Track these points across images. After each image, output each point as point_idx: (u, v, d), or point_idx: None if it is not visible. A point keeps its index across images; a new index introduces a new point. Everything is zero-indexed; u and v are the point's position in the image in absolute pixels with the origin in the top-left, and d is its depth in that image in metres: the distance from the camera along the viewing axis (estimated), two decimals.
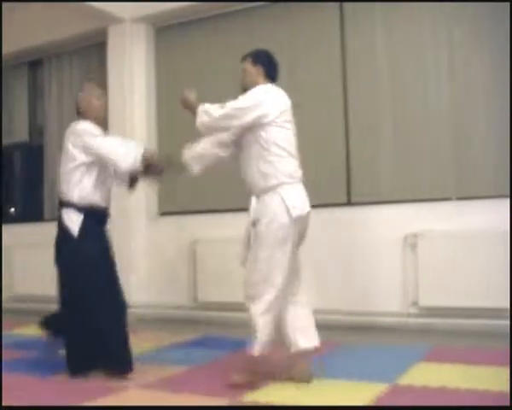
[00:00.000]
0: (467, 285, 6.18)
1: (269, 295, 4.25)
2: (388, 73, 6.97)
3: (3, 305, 9.20)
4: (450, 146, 6.61)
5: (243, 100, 4.37)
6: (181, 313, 7.60)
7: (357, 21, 7.11)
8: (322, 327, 6.86)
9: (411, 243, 6.56)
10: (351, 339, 6.11)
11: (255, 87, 4.47)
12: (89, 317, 4.69)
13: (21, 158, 10.35)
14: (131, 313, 7.72)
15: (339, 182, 7.10)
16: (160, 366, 5.07)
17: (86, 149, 4.74)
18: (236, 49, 7.74)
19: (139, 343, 6.03)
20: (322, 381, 4.44)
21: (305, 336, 4.48)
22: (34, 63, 9.75)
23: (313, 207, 7.00)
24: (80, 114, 4.99)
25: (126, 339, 4.82)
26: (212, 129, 4.49)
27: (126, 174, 4.81)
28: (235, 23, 7.86)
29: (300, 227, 4.40)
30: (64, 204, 4.82)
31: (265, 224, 4.27)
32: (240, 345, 5.86)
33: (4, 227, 9.61)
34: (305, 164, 7.20)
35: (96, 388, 4.42)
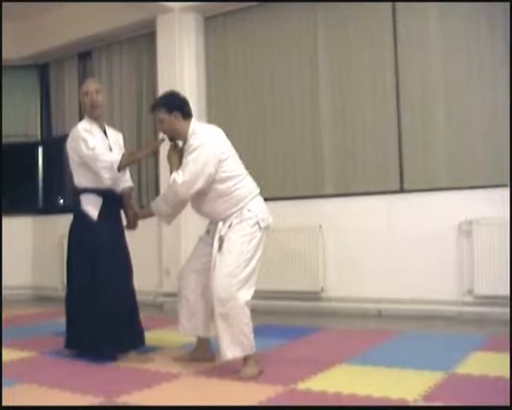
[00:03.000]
0: (509, 274, 6.05)
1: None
2: (441, 58, 6.84)
3: (54, 293, 9.32)
4: (506, 132, 6.45)
5: (189, 171, 4.38)
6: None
7: (409, 7, 6.99)
8: (377, 316, 6.85)
9: (466, 230, 6.45)
10: (406, 328, 6.05)
11: (181, 133, 4.55)
12: (101, 300, 4.84)
13: None
14: (172, 302, 7.81)
15: (392, 169, 7.01)
16: (209, 353, 5.04)
17: (78, 154, 4.94)
18: (286, 36, 7.75)
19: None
20: (378, 369, 4.39)
21: None
22: (84, 55, 9.80)
23: (366, 194, 7.05)
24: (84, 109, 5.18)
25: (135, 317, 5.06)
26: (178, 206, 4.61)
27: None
28: (285, 11, 7.78)
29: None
30: (82, 191, 4.97)
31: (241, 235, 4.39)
32: (298, 333, 5.88)
33: (55, 217, 9.73)
34: (357, 153, 7.23)
35: (148, 375, 4.42)
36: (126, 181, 5.24)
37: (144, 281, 8.03)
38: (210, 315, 4.61)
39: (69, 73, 9.94)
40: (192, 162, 4.35)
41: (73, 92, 9.83)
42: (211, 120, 8.23)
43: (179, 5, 8.19)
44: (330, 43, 7.49)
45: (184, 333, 4.77)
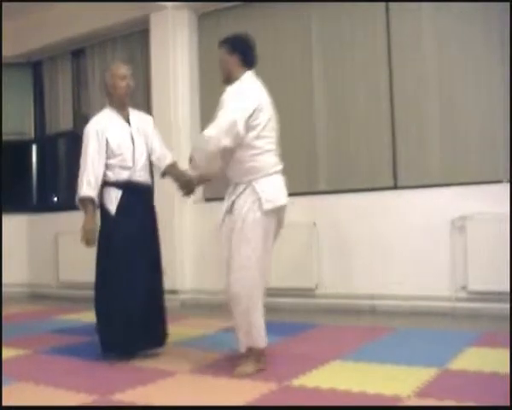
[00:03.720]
0: (509, 269, 6.06)
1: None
2: (434, 55, 6.86)
3: (49, 291, 9.34)
4: (501, 127, 6.48)
5: (230, 112, 4.24)
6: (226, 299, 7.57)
7: (402, 6, 7.00)
8: (371, 313, 6.87)
9: (460, 226, 6.47)
10: (399, 324, 6.06)
11: (232, 76, 4.44)
12: (119, 295, 4.76)
13: (66, 146, 10.43)
14: (177, 298, 7.80)
15: (385, 166, 7.03)
16: (206, 351, 5.08)
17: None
18: (280, 34, 7.75)
19: (186, 329, 6.08)
20: (372, 365, 4.41)
21: None
22: (77, 52, 9.80)
23: (360, 191, 7.06)
24: (108, 96, 5.04)
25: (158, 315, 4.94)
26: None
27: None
28: (279, 9, 7.79)
29: (276, 219, 4.43)
30: (103, 183, 4.87)
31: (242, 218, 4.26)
32: (292, 330, 5.89)
33: (50, 215, 9.76)
34: (351, 149, 7.24)
35: (144, 372, 4.44)
36: (166, 158, 5.09)
37: None
38: None
39: (62, 70, 9.93)
40: (222, 118, 4.22)
41: (67, 90, 9.85)
42: (204, 117, 8.24)
43: (172, 3, 8.19)
44: (324, 40, 7.50)
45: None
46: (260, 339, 4.32)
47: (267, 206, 4.24)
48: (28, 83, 10.44)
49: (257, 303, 4.32)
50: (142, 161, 4.93)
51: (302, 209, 7.31)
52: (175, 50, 8.24)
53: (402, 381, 3.94)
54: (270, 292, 7.33)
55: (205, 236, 7.92)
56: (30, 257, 9.99)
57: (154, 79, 8.30)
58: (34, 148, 10.44)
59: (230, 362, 4.56)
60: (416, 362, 4.38)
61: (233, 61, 4.43)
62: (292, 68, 7.71)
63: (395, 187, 6.96)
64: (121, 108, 5.01)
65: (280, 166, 4.45)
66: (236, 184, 4.34)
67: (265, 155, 4.34)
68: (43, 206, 10.27)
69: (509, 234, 6.13)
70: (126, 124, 4.98)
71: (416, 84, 6.93)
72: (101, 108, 9.09)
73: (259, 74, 7.78)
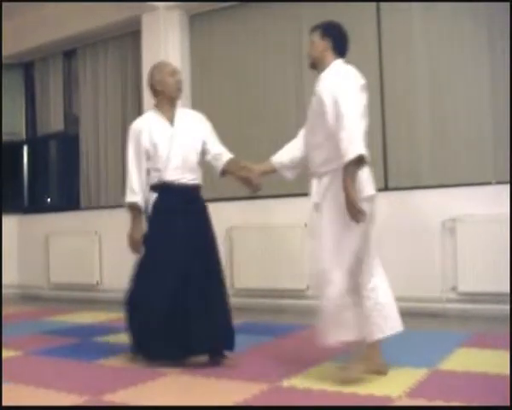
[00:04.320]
0: (506, 270, 6.08)
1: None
2: (425, 55, 6.89)
3: (40, 292, 9.33)
4: (490, 130, 6.52)
5: (352, 98, 4.03)
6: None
7: (393, 7, 7.02)
8: None
9: (450, 227, 6.49)
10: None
11: (323, 62, 4.28)
12: (143, 299, 4.68)
13: (57, 147, 10.43)
14: None
15: (376, 167, 7.03)
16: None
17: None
18: (271, 35, 7.78)
19: None
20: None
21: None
22: (69, 53, 9.80)
23: None
24: (155, 93, 4.88)
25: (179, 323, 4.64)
26: None
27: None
28: (270, 9, 7.81)
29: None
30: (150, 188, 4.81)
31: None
32: (283, 331, 5.90)
33: (41, 216, 9.78)
34: None
35: (135, 373, 4.45)
36: (222, 156, 4.91)
37: None
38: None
39: (54, 71, 9.91)
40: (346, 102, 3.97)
41: (58, 91, 9.84)
42: None
43: (164, 4, 8.20)
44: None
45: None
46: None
47: (364, 193, 3.98)
48: (19, 84, 10.43)
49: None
50: (176, 161, 4.72)
51: (293, 211, 7.33)
52: (166, 51, 8.24)
53: (393, 381, 3.96)
54: (260, 293, 7.40)
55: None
56: (21, 258, 9.97)
57: (146, 80, 8.27)
58: (25, 148, 10.41)
59: (222, 363, 4.58)
60: (407, 363, 4.40)
61: (323, 46, 4.28)
62: (283, 68, 7.73)
63: (386, 188, 6.97)
64: (170, 106, 4.85)
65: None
66: (321, 176, 4.16)
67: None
68: (34, 207, 10.26)
69: (510, 235, 6.14)
70: (168, 124, 4.79)
71: (407, 86, 6.96)
72: (92, 109, 9.25)
73: (252, 75, 7.83)
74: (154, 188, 4.76)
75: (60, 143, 10.30)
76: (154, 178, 4.74)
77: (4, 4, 8.58)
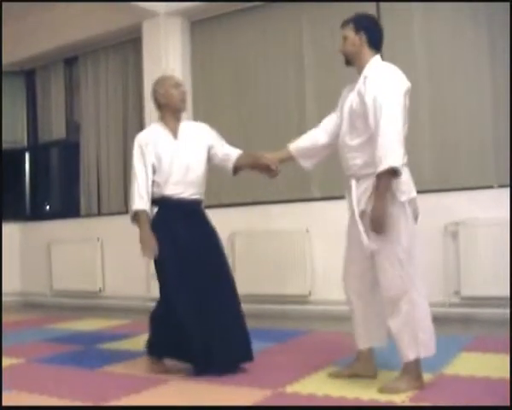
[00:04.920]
0: (509, 274, 6.07)
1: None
2: (425, 58, 6.89)
3: (43, 300, 9.34)
4: (491, 134, 6.51)
5: (395, 102, 3.93)
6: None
7: (393, 6, 7.02)
8: None
9: (452, 231, 6.48)
10: None
11: (359, 58, 4.13)
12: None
13: (58, 155, 10.43)
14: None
15: None
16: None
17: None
18: (272, 39, 7.78)
19: None
20: None
21: None
22: (70, 60, 9.80)
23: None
24: (160, 107, 4.85)
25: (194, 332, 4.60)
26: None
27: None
28: (272, 13, 7.81)
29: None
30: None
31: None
32: (286, 337, 5.89)
33: (42, 223, 9.79)
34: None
35: (138, 379, 4.44)
36: (231, 155, 4.87)
37: (132, 286, 8.09)
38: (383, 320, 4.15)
39: (55, 78, 9.92)
40: (391, 108, 3.88)
41: (59, 98, 9.85)
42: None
43: (165, 10, 8.20)
44: (315, 44, 7.52)
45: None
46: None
47: (404, 197, 3.95)
48: (21, 91, 10.43)
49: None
50: (177, 175, 4.71)
51: (295, 216, 7.33)
52: (167, 58, 8.25)
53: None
54: (263, 299, 7.39)
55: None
56: (23, 265, 9.97)
57: (147, 87, 8.27)
58: (27, 156, 10.42)
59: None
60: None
61: (359, 40, 4.12)
62: (284, 73, 7.73)
63: None
64: (174, 119, 4.83)
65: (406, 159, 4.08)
66: (360, 179, 4.09)
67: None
68: (36, 214, 10.26)
69: (510, 239, 6.11)
70: (172, 138, 4.77)
71: (420, 88, 6.93)
72: (93, 116, 9.25)
73: (253, 80, 7.83)
74: (154, 202, 4.73)
75: (61, 151, 10.30)
76: (155, 193, 4.72)
77: (5, 12, 8.59)
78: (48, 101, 10.04)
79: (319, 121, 7.35)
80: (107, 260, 8.85)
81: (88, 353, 5.54)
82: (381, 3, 7.09)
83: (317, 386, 4.06)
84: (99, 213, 9.22)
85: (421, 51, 6.91)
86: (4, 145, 10.12)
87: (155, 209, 4.74)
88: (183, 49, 8.40)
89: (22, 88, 10.44)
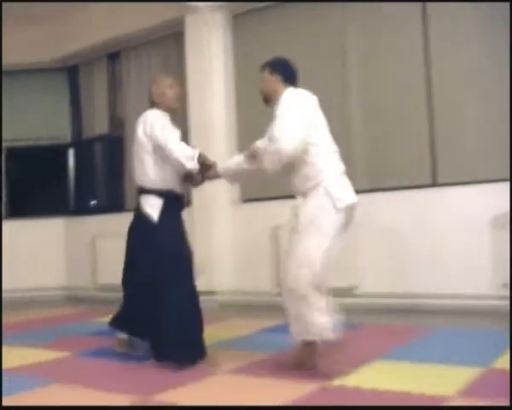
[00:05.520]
0: (509, 271, 5.96)
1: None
2: (473, 50, 6.76)
3: (87, 294, 9.41)
4: None
5: (287, 122, 4.24)
6: (264, 300, 7.56)
7: (439, 6, 6.92)
8: (413, 311, 6.76)
9: (501, 223, 6.35)
10: (441, 323, 6.00)
11: (274, 94, 4.55)
12: (155, 303, 4.69)
13: (102, 150, 10.48)
14: (215, 299, 7.79)
15: (424, 163, 6.94)
16: (246, 351, 5.04)
17: (152, 139, 4.73)
18: (315, 32, 7.71)
19: (226, 330, 6.05)
20: (414, 365, 4.35)
21: None
22: (113, 55, 9.85)
23: (399, 189, 6.98)
24: (154, 105, 4.96)
25: (193, 327, 4.73)
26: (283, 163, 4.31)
27: (187, 171, 4.76)
28: (314, 7, 7.74)
29: (347, 217, 4.43)
30: (143, 191, 4.82)
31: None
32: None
33: (86, 218, 9.86)
34: (389, 147, 7.17)
35: (185, 373, 4.42)
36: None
37: None
38: None
39: (98, 74, 10.00)
40: (282, 117, 4.26)
41: (102, 93, 9.91)
42: (240, 118, 8.23)
43: (207, 4, 8.18)
44: (359, 37, 7.45)
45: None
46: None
47: (340, 204, 4.29)
48: (64, 87, 10.52)
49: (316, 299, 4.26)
50: None
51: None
52: (210, 52, 8.23)
53: (446, 380, 3.88)
54: None
55: (242, 237, 7.90)
56: (68, 260, 10.05)
57: (190, 81, 8.29)
58: (71, 152, 10.51)
59: (272, 362, 4.55)
60: (460, 361, 4.31)
61: (274, 79, 4.63)
62: (326, 67, 7.66)
63: (434, 184, 6.87)
64: (171, 113, 4.98)
65: (343, 168, 4.50)
66: (302, 193, 4.40)
67: (331, 156, 4.44)
68: (80, 209, 10.34)
69: (509, 236, 6.11)
70: (174, 128, 4.87)
71: (455, 80, 6.83)
72: (136, 110, 9.25)
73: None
74: (159, 193, 4.81)
75: (105, 146, 10.35)
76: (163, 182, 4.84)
77: (47, 9, 8.66)
78: (91, 96, 10.12)
79: (362, 116, 7.38)
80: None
81: (134, 346, 5.53)
82: (427, 3, 6.99)
83: (364, 379, 4.01)
84: None
85: (469, 43, 6.79)
86: (48, 141, 10.28)
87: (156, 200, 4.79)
88: (226, 42, 8.38)
89: (65, 84, 10.52)
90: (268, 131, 4.35)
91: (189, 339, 4.65)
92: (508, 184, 6.36)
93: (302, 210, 4.34)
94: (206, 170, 4.82)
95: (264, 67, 4.71)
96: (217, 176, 4.88)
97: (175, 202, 4.88)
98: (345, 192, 4.38)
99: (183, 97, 5.06)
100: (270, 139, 4.24)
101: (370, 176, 7.30)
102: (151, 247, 4.74)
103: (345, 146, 7.28)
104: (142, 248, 4.82)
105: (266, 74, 4.67)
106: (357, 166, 7.33)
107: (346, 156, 7.21)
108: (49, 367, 4.81)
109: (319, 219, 4.24)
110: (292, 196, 4.59)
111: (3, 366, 4.74)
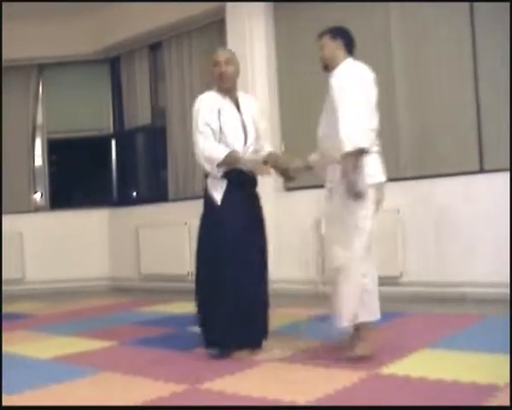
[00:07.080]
0: (509, 264, 5.85)
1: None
2: None
3: (130, 284, 9.47)
4: None
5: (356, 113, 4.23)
6: (310, 289, 7.52)
7: None
8: (460, 300, 6.64)
9: None
10: (490, 312, 5.88)
11: (335, 60, 4.55)
12: (220, 286, 4.59)
13: (144, 140, 10.53)
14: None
15: (470, 148, 6.83)
16: (295, 339, 5.02)
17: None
18: (357, 21, 7.61)
19: (273, 318, 6.03)
20: (464, 354, 4.30)
21: None
22: (154, 46, 9.87)
23: (444, 176, 6.88)
24: (209, 86, 4.99)
25: (259, 310, 4.70)
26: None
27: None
28: None
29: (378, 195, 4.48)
30: (207, 173, 4.71)
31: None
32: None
33: (130, 209, 9.93)
34: (435, 133, 7.07)
35: (232, 361, 4.42)
36: (263, 149, 4.91)
37: None
38: None
39: (140, 65, 10.03)
40: (348, 105, 4.27)
41: (144, 84, 9.94)
42: (282, 106, 8.19)
43: None
44: (404, 25, 7.32)
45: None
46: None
47: (370, 180, 4.29)
48: (106, 79, 10.60)
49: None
50: (251, 149, 4.79)
51: (386, 196, 7.18)
52: (251, 40, 8.20)
53: (496, 369, 3.82)
54: None
55: (285, 225, 7.86)
56: (111, 251, 10.13)
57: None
58: (113, 143, 10.57)
59: (321, 350, 4.54)
60: (509, 350, 4.23)
61: (335, 45, 4.61)
62: (370, 55, 7.55)
63: (481, 171, 6.76)
64: (227, 93, 4.92)
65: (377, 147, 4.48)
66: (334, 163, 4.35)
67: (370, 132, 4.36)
68: (124, 200, 10.41)
69: (509, 228, 6.07)
70: (236, 109, 4.86)
71: (502, 62, 6.68)
72: (178, 100, 9.28)
73: None
74: (222, 175, 4.69)
75: (147, 136, 10.41)
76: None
77: (88, 1, 8.72)
78: (133, 87, 10.15)
79: (408, 99, 7.28)
80: (195, 244, 8.86)
81: (179, 335, 5.55)
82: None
83: (413, 368, 3.96)
84: (186, 198, 9.22)
85: None
86: (91, 133, 10.38)
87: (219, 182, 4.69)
88: (267, 30, 8.34)
89: (107, 76, 10.61)
90: (325, 110, 4.54)
91: (240, 326, 4.54)
92: None
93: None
94: (278, 168, 4.87)
95: (323, 34, 4.67)
96: (299, 171, 4.90)
97: (240, 184, 4.71)
98: (376, 170, 4.39)
99: (228, 77, 4.90)
100: (342, 140, 4.13)
101: (415, 163, 7.21)
102: (212, 229, 4.68)
103: (391, 133, 7.26)
104: (205, 230, 4.75)
105: (327, 40, 4.62)
106: (402, 153, 7.25)
107: (392, 143, 7.25)
108: (97, 356, 4.85)
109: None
110: None
111: (53, 354, 4.80)
